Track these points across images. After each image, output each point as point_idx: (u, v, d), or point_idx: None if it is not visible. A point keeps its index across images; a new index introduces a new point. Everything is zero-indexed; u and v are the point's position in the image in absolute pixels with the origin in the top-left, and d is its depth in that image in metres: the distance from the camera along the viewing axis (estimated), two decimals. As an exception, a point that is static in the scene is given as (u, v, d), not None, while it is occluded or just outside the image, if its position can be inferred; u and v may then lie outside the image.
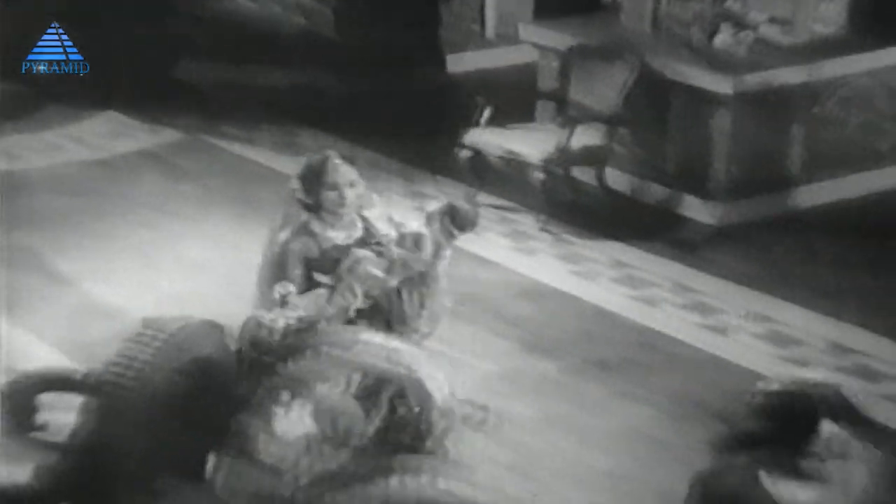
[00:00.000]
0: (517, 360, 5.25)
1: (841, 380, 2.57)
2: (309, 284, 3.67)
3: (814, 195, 6.84)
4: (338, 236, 3.80)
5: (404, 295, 3.63)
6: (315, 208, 3.81)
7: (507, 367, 5.17)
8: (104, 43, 7.60)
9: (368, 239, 3.81)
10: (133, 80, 8.22)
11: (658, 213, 6.98)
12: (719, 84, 6.53)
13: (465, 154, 7.10)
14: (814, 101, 6.82)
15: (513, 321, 5.62)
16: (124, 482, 2.92)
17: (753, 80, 6.53)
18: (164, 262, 6.26)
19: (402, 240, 3.73)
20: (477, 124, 7.06)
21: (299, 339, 3.02)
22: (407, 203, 7.31)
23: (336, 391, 2.31)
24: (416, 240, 3.72)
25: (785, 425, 2.47)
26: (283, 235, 3.78)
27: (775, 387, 2.55)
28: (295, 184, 3.82)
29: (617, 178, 7.10)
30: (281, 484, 2.54)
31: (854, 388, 2.59)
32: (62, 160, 7.70)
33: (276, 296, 3.54)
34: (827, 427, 2.44)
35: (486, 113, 7.07)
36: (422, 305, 3.68)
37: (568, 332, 5.54)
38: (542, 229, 6.76)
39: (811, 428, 2.44)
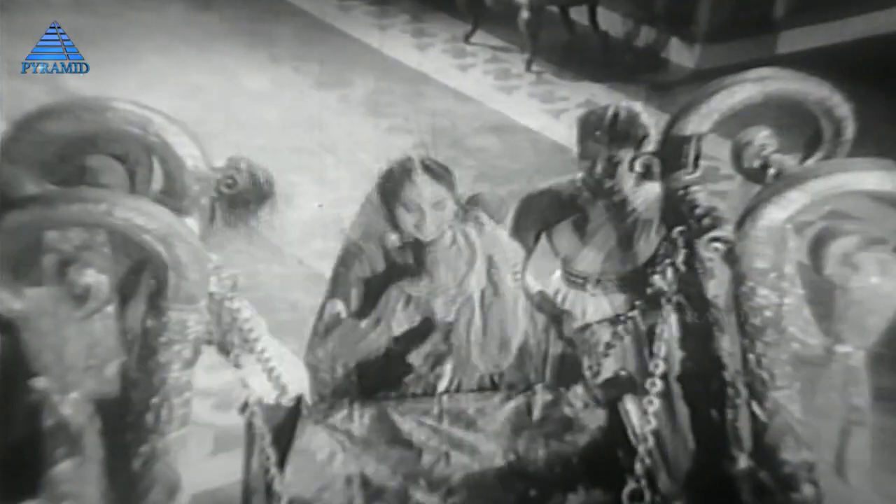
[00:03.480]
0: (463, 188, 5.59)
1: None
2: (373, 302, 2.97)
3: (795, 40, 6.92)
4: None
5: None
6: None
7: (451, 192, 5.53)
8: None
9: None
10: None
11: (643, 55, 7.16)
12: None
13: (463, -9, 7.33)
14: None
15: (471, 152, 5.96)
16: None
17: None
18: (165, 85, 6.69)
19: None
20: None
21: None
22: (409, 40, 7.65)
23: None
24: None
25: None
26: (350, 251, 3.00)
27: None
28: (373, 196, 2.94)
29: (610, 19, 7.26)
30: None
31: None
32: (88, -19, 8.13)
33: (323, 318, 2.96)
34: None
35: (484, -49, 7.25)
36: None
37: (521, 164, 5.85)
38: (528, 69, 7.02)
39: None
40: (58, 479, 2.18)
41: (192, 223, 2.42)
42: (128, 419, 2.31)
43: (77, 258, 2.16)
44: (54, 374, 2.25)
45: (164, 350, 2.23)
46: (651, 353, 2.60)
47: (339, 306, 2.95)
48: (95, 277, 2.17)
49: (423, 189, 2.83)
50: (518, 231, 3.29)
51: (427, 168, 2.85)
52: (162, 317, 2.21)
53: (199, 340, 2.27)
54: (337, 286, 2.99)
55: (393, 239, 2.96)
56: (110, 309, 2.27)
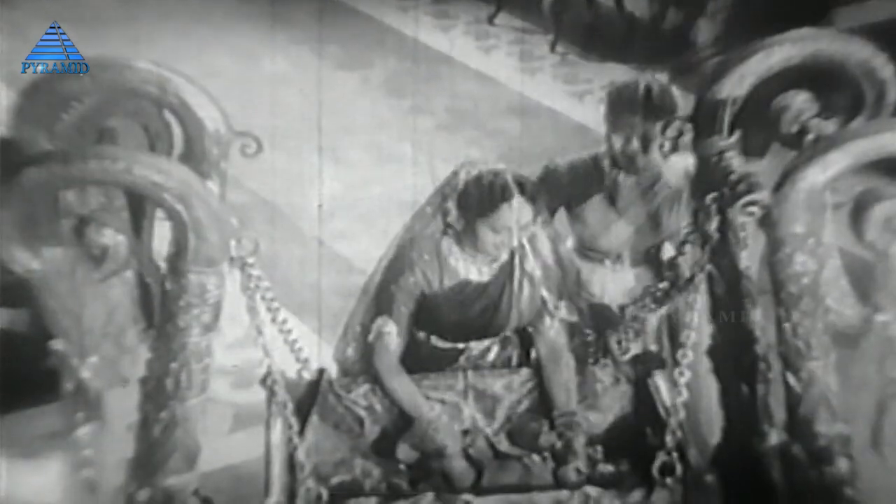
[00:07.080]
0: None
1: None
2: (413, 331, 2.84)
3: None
4: (472, 272, 2.81)
5: None
6: (459, 235, 2.78)
7: (472, 172, 5.49)
8: None
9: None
10: None
11: (669, 37, 7.07)
12: None
13: (486, -28, 7.27)
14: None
15: (493, 134, 5.90)
16: None
17: None
18: (185, 67, 6.61)
19: None
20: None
21: None
22: (431, 21, 7.60)
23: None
24: None
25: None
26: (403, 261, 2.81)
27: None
28: (450, 205, 2.75)
29: (636, 0, 7.18)
30: None
31: None
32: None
33: (371, 335, 2.79)
34: None
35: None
36: None
37: (543, 145, 5.76)
38: (552, 50, 6.95)
39: None
40: (78, 443, 2.15)
41: (213, 186, 2.38)
42: (147, 385, 2.27)
43: (95, 218, 2.12)
44: (72, 337, 2.21)
45: (183, 314, 2.19)
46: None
47: (391, 328, 2.76)
48: (113, 238, 2.13)
49: (522, 212, 2.66)
50: None
51: (522, 189, 2.66)
52: (181, 279, 2.17)
53: (219, 305, 2.23)
54: (387, 302, 2.78)
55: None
56: (129, 274, 2.23)
